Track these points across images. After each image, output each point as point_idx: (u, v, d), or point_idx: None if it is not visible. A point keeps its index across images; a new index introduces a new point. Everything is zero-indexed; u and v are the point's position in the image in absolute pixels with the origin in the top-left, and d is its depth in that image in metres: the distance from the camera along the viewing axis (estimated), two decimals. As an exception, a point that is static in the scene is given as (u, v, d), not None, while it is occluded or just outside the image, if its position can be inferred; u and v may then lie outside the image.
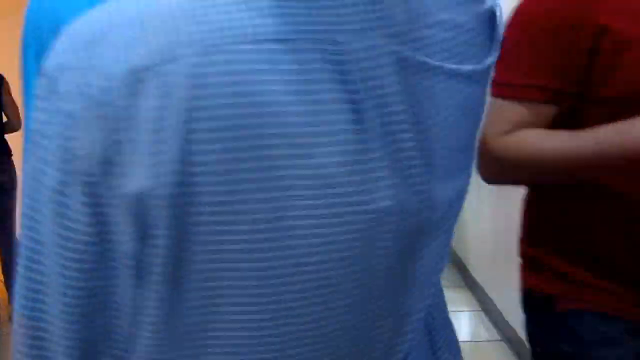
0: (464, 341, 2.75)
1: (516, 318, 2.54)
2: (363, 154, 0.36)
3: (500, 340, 2.69)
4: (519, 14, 0.87)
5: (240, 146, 0.33)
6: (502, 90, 0.85)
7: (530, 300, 0.98)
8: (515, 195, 2.60)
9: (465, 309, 3.09)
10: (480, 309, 3.05)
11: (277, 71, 0.33)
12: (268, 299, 0.36)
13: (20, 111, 3.03)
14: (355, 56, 0.35)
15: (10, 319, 3.02)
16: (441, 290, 0.52)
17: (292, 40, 0.33)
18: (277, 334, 0.37)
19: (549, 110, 0.84)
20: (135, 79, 0.32)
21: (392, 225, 0.38)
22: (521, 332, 2.46)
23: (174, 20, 0.33)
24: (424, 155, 0.38)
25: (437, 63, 0.38)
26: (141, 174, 0.32)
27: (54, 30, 0.37)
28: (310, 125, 0.34)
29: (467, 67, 0.40)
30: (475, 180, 2.02)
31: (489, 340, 2.71)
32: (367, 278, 0.39)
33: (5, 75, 3.00)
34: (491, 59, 0.42)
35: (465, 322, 2.98)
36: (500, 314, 2.76)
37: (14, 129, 3.04)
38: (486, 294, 3.01)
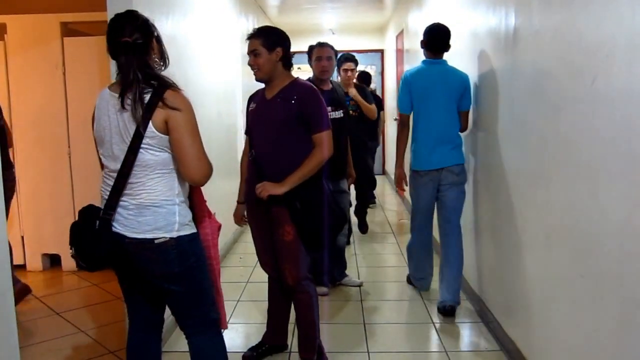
0: (465, 351, 2.87)
1: (514, 330, 2.67)
2: None
3: (499, 350, 2.78)
4: None
5: None
6: None
7: None
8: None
9: (467, 321, 3.20)
10: (480, 320, 3.16)
11: None
12: None
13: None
14: None
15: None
16: None
17: None
18: None
19: None
20: None
21: None
22: (519, 343, 2.58)
23: None
24: None
25: None
26: None
27: None
28: None
29: None
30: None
31: (488, 350, 2.79)
32: None
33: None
34: None
35: (466, 333, 3.09)
36: (500, 325, 2.87)
37: (11, 145, 3.61)
38: (486, 307, 3.13)
